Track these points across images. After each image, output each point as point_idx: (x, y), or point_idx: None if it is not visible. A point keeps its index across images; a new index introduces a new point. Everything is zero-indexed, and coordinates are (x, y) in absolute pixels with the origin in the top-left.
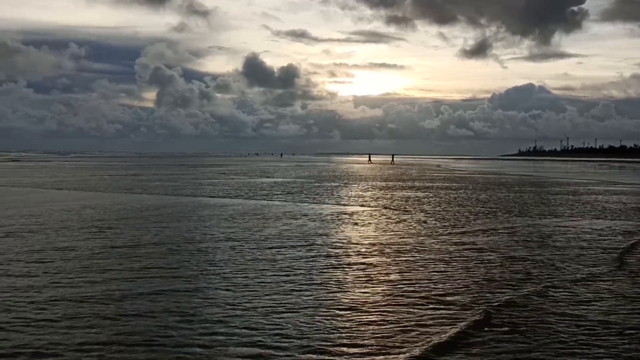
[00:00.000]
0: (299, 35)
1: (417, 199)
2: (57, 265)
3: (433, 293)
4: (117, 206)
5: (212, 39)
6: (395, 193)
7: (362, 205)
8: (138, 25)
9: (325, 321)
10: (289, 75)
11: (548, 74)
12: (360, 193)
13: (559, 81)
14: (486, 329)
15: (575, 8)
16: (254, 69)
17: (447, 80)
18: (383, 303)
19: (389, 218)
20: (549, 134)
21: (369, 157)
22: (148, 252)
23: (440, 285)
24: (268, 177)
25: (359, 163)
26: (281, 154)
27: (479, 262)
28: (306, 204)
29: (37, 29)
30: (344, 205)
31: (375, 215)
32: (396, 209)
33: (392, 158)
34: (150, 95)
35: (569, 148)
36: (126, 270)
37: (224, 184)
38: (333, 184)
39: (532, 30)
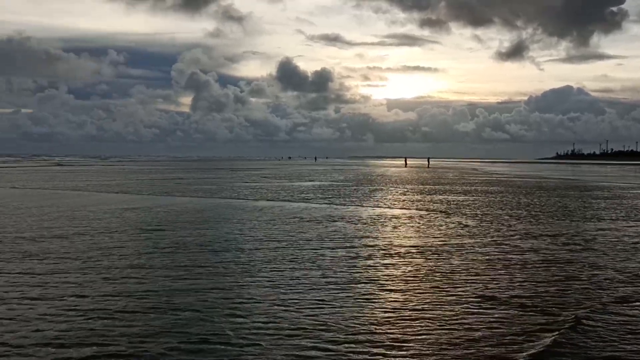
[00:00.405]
0: (333, 40)
1: (457, 202)
2: (106, 265)
3: (486, 294)
4: (159, 209)
5: (247, 44)
6: (434, 196)
7: (402, 208)
8: (175, 31)
9: (370, 319)
10: (322, 79)
11: (586, 75)
12: (399, 196)
13: (598, 83)
14: (574, 334)
15: (614, 8)
16: (287, 73)
17: (483, 82)
18: (435, 304)
19: (430, 221)
20: (587, 137)
21: (405, 161)
22: (192, 252)
23: (490, 287)
24: (306, 180)
25: (395, 166)
26: (315, 158)
27: (524, 264)
28: (345, 207)
29: (77, 37)
30: (384, 207)
31: (416, 218)
32: (436, 212)
33: (428, 161)
34: (186, 100)
35: (609, 151)
36: (172, 268)
37: (262, 187)
38: (371, 187)
39: (569, 32)
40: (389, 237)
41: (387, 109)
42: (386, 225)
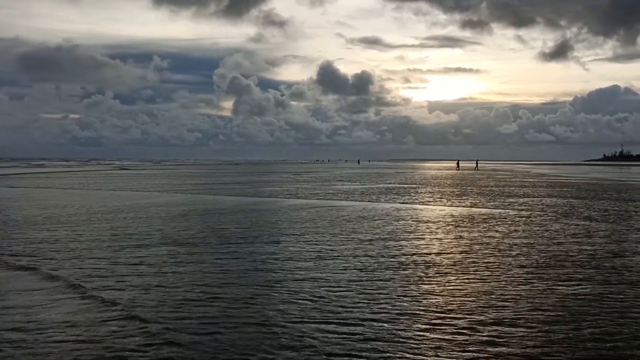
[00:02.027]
0: (373, 42)
1: (531, 203)
2: (217, 250)
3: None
4: (242, 209)
5: (288, 48)
6: (505, 199)
7: (489, 208)
8: (217, 37)
9: (471, 302)
10: (362, 82)
11: (635, 75)
12: (470, 198)
13: None
14: None
15: None
16: (328, 77)
17: (526, 83)
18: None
19: (502, 220)
20: (636, 138)
21: (458, 163)
22: (282, 243)
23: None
24: (369, 183)
25: (446, 169)
26: (358, 161)
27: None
28: (427, 206)
29: (123, 43)
30: (469, 207)
31: (493, 218)
32: (516, 210)
33: (476, 164)
34: (228, 105)
35: None
36: (272, 255)
37: (333, 189)
38: (439, 189)
39: (616, 31)
40: (475, 236)
41: (428, 111)
42: (476, 224)
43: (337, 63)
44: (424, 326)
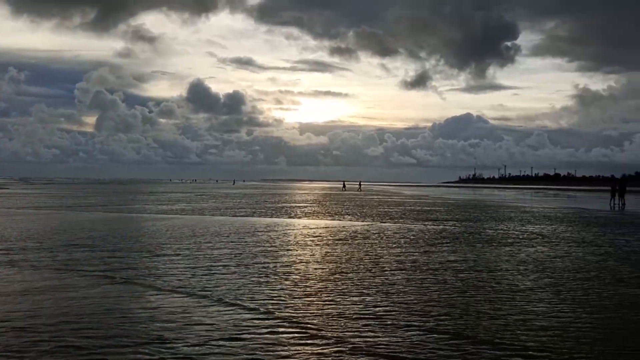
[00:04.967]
0: (245, 63)
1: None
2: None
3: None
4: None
5: (157, 64)
6: (430, 221)
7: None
8: (80, 49)
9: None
10: (234, 101)
11: (485, 104)
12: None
13: (495, 111)
14: None
15: (508, 43)
16: (199, 95)
17: (390, 109)
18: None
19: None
20: (487, 162)
21: (344, 184)
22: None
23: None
24: (287, 202)
25: (332, 190)
26: (234, 181)
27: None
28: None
29: None
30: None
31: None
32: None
33: (359, 185)
34: (90, 120)
35: (507, 176)
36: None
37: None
38: (362, 209)
39: (468, 64)
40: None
41: (299, 132)
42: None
43: (208, 81)
44: None
